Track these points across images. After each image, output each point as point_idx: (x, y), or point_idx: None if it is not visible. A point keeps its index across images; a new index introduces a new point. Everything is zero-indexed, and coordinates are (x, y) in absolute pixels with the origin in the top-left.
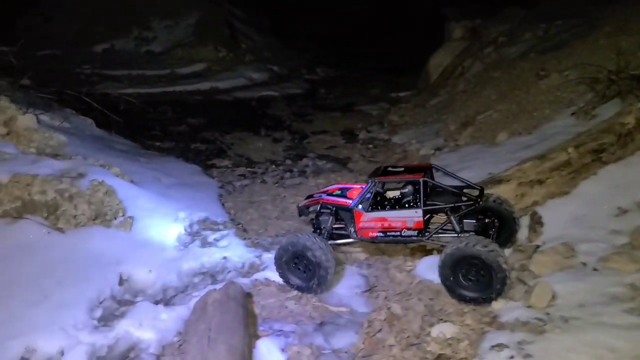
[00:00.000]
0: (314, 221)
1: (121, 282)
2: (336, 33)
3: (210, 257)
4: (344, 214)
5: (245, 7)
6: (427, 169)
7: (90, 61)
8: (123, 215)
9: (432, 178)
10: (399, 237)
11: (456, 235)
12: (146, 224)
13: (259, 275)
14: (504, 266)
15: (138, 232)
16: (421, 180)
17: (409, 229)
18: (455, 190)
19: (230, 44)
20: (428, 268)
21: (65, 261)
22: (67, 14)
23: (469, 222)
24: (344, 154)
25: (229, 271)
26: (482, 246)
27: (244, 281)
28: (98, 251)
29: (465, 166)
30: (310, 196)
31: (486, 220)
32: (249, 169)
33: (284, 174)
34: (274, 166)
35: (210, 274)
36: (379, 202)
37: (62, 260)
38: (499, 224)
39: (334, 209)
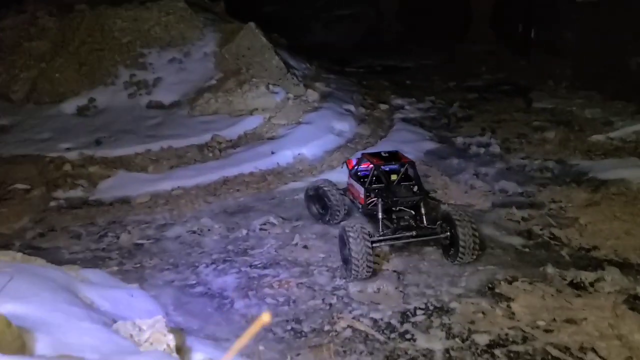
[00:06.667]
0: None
1: None
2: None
3: None
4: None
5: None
6: (404, 163)
7: (61, 133)
8: None
9: (411, 176)
10: (352, 203)
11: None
12: None
13: None
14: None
15: None
16: (372, 167)
17: (359, 201)
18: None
19: (284, 81)
20: None
21: None
22: None
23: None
24: None
25: None
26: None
27: None
28: None
29: None
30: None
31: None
32: None
33: None
34: None
35: None
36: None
37: None
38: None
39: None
